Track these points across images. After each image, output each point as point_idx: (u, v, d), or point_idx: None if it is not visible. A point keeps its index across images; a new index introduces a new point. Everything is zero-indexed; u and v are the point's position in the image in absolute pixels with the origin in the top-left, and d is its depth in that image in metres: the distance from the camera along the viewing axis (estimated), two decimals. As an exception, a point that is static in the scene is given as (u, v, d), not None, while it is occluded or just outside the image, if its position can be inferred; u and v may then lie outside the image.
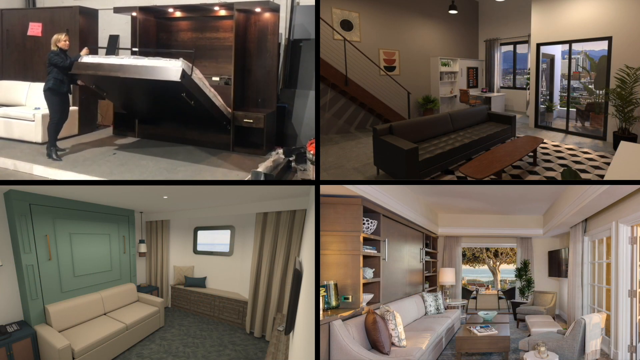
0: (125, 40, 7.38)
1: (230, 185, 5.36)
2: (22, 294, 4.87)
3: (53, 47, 5.68)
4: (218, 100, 5.88)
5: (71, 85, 5.85)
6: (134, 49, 6.45)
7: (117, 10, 6.75)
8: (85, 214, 6.05)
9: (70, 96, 6.01)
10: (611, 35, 6.70)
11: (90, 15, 6.99)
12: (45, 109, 6.46)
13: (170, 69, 5.03)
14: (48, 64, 5.64)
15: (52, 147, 5.75)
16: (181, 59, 5.13)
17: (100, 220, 6.44)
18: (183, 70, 5.02)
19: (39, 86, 7.00)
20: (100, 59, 5.60)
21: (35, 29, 7.10)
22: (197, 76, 5.35)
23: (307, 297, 3.45)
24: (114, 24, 7.48)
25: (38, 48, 7.14)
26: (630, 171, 3.67)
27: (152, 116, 6.57)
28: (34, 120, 6.32)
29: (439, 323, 5.70)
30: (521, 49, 10.30)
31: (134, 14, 6.64)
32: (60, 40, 5.66)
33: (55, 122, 5.76)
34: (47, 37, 7.01)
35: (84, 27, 6.81)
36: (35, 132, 6.32)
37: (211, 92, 5.69)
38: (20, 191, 4.81)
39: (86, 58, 5.62)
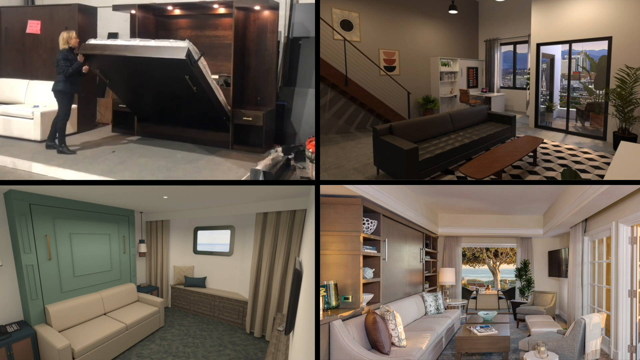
0: (124, 38, 7.34)
1: (230, 185, 5.35)
2: (22, 294, 4.86)
3: (64, 46, 5.65)
4: (219, 92, 5.89)
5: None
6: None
7: (116, 7, 6.73)
8: (85, 214, 6.03)
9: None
10: (611, 35, 6.70)
11: (89, 13, 6.97)
12: (44, 107, 6.46)
13: (176, 48, 5.12)
14: (58, 64, 5.65)
15: (63, 144, 5.81)
16: (187, 40, 5.20)
17: (100, 220, 6.43)
18: (188, 50, 5.10)
19: (38, 84, 7.01)
20: (107, 40, 5.64)
21: (34, 26, 7.08)
22: (202, 62, 5.41)
23: (307, 297, 3.44)
24: (113, 22, 7.46)
25: (37, 46, 7.12)
26: (630, 171, 3.66)
27: (153, 109, 6.52)
28: (32, 118, 6.30)
29: (439, 323, 5.70)
30: (521, 49, 10.30)
31: (133, 11, 6.62)
32: (72, 38, 5.67)
33: (64, 119, 5.80)
34: (46, 35, 7.00)
35: (83, 24, 6.79)
36: (34, 130, 6.30)
37: (213, 82, 5.71)
38: (20, 191, 4.80)
39: (93, 40, 5.64)
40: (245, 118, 6.18)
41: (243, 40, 6.39)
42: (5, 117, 6.46)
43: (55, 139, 5.88)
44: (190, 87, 5.45)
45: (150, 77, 5.72)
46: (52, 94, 6.05)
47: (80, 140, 6.41)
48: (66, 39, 5.65)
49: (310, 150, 4.98)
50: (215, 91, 5.77)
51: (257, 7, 6.17)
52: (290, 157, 5.84)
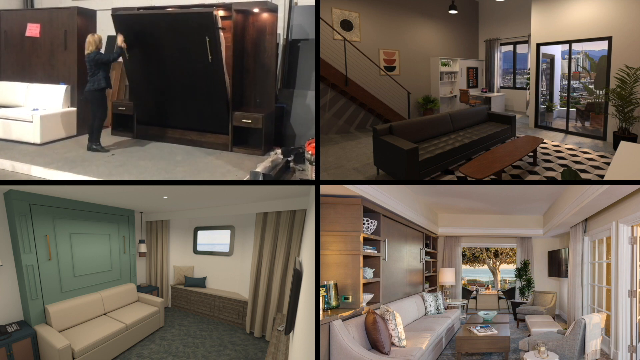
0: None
1: (230, 185, 5.36)
2: (22, 294, 4.87)
3: (94, 49, 5.82)
4: (227, 74, 6.00)
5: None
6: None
7: (116, 11, 6.73)
8: (85, 214, 6.04)
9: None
10: (611, 35, 6.70)
11: (88, 16, 6.98)
12: (44, 110, 6.46)
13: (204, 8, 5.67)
14: (97, 62, 5.78)
15: (99, 142, 6.03)
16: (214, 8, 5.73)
17: (100, 220, 6.43)
18: (215, 10, 5.60)
19: (37, 87, 7.01)
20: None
21: (33, 29, 7.09)
22: (221, 35, 5.69)
23: (307, 297, 3.45)
24: (112, 25, 7.46)
25: (36, 49, 7.12)
26: (630, 171, 3.66)
27: (160, 99, 6.51)
28: (32, 121, 6.31)
29: (439, 323, 5.70)
30: (521, 49, 10.30)
31: (133, 14, 6.63)
32: (100, 41, 5.90)
33: (103, 118, 6.02)
34: (46, 38, 7.00)
35: (82, 28, 6.80)
36: (34, 133, 6.31)
37: (224, 62, 5.91)
38: (20, 191, 4.80)
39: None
40: (244, 120, 6.18)
41: (242, 43, 6.40)
42: (4, 120, 6.47)
43: (98, 139, 6.10)
44: (207, 56, 5.63)
45: (171, 47, 5.94)
46: (52, 97, 6.07)
47: (79, 143, 6.41)
48: (97, 41, 5.85)
49: (310, 152, 4.98)
50: (225, 70, 5.93)
51: (255, 10, 6.18)
52: (289, 159, 5.85)
